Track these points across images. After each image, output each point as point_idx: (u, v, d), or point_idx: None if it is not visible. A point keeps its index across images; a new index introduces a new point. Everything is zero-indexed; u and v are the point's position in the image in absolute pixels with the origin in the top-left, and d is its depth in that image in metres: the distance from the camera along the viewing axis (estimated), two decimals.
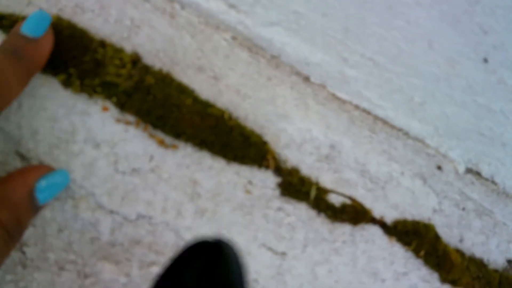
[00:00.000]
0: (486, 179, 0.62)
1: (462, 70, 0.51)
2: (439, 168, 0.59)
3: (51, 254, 0.43)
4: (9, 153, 0.43)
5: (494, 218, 0.62)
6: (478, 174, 0.62)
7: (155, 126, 0.48)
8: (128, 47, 0.48)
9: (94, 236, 0.45)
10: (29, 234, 0.43)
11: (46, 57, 0.41)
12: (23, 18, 0.43)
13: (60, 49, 0.44)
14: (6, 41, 0.38)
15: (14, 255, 0.42)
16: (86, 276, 0.44)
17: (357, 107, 0.56)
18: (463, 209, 0.60)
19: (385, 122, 0.57)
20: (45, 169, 0.39)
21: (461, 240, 0.60)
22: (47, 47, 0.41)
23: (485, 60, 0.50)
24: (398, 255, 0.56)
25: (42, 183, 0.37)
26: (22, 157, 0.43)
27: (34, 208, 0.37)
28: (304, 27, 0.50)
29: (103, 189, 0.45)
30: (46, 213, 0.43)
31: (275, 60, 0.54)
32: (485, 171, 0.61)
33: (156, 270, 0.46)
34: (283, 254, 0.51)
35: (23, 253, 0.42)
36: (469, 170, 0.61)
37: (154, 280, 0.30)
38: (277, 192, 0.52)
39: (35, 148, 0.44)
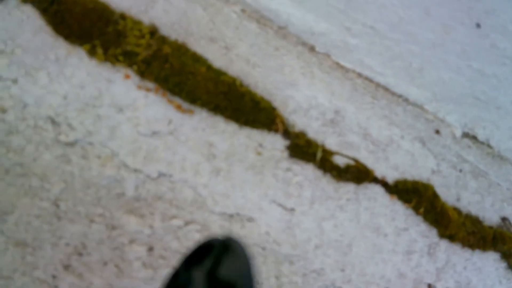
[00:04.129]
0: (482, 143, 0.66)
1: (457, 35, 0.54)
2: (437, 132, 0.63)
3: (81, 207, 0.47)
4: (41, 117, 0.47)
5: (489, 179, 0.66)
6: (474, 138, 0.65)
7: (173, 92, 0.51)
8: (145, 20, 0.52)
9: (120, 192, 0.49)
10: (61, 189, 0.47)
11: None
12: None
13: (84, 21, 0.48)
14: None
15: (50, 207, 0.46)
16: (113, 227, 0.48)
17: (359, 75, 0.60)
18: (460, 170, 0.64)
19: (386, 89, 0.61)
20: None
21: (458, 199, 0.64)
22: None
23: (478, 25, 0.54)
24: (399, 212, 0.60)
25: None
26: (53, 120, 0.47)
27: None
28: None
29: (127, 150, 0.49)
30: (75, 170, 0.47)
31: (282, 31, 0.57)
32: (481, 135, 0.65)
33: (177, 223, 0.51)
34: (292, 210, 0.55)
35: (57, 206, 0.47)
36: (465, 135, 0.65)
37: (165, 278, 0.32)
38: (285, 153, 0.56)
39: (64, 112, 0.48)
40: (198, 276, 0.30)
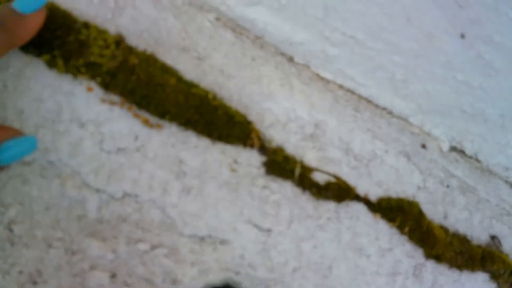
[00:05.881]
0: (470, 157, 0.63)
1: (441, 45, 0.52)
2: (423, 146, 0.60)
3: (38, 231, 0.44)
4: None
5: (477, 194, 0.63)
6: (462, 152, 0.63)
7: (140, 105, 0.48)
8: (112, 29, 0.49)
9: (81, 213, 0.45)
10: (16, 211, 0.43)
11: (31, 35, 0.41)
12: None
13: (43, 30, 0.45)
14: None
15: (2, 232, 0.43)
16: (73, 252, 0.45)
17: (341, 86, 0.57)
18: (447, 186, 0.61)
19: (369, 101, 0.58)
20: (12, 131, 0.38)
21: (445, 217, 0.61)
22: (34, 25, 0.41)
23: (462, 36, 0.51)
24: (383, 231, 0.57)
25: (8, 145, 0.36)
26: None
27: None
28: (285, 6, 0.51)
29: (89, 168, 0.46)
30: (33, 191, 0.44)
31: (259, 40, 0.55)
32: (469, 148, 0.62)
33: (143, 247, 0.47)
34: (269, 230, 0.52)
35: (11, 230, 0.43)
36: (453, 148, 0.62)
37: None
38: (262, 170, 0.52)
39: (21, 127, 0.44)
40: None
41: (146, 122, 0.48)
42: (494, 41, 0.52)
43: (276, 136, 0.53)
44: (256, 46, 0.55)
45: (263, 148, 0.53)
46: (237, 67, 0.53)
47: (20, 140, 0.37)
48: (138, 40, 0.49)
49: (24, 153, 0.38)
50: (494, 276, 0.62)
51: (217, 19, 0.53)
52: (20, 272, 0.43)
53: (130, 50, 0.49)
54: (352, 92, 0.57)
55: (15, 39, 0.39)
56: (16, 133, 0.38)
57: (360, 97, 0.58)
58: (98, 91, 0.47)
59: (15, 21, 0.39)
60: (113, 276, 0.46)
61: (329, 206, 0.54)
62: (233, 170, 0.51)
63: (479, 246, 0.61)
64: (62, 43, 0.46)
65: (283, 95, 0.55)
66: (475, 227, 0.63)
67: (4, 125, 0.41)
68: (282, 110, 0.54)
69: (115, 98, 0.47)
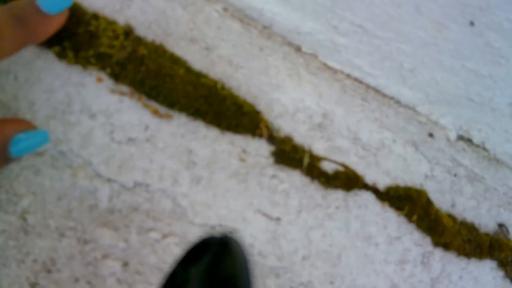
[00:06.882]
0: (477, 146, 0.63)
1: (449, 34, 0.52)
2: (430, 135, 0.60)
3: (51, 221, 0.44)
4: None
5: (485, 183, 0.64)
6: (469, 140, 0.63)
7: (149, 96, 0.48)
8: (121, 20, 0.49)
9: (93, 203, 0.46)
10: (29, 202, 0.44)
11: (50, 35, 0.41)
12: None
13: None
14: (17, 4, 0.38)
15: (16, 221, 0.43)
16: (86, 242, 0.45)
17: (349, 76, 0.57)
18: (455, 175, 0.62)
19: (376, 90, 0.58)
20: (24, 124, 0.38)
21: (453, 205, 0.61)
22: (56, 25, 0.40)
23: (472, 23, 0.51)
24: (391, 220, 0.57)
25: (19, 137, 0.36)
26: None
27: (4, 159, 0.36)
28: None
29: (100, 158, 0.46)
30: (45, 181, 0.44)
31: (267, 30, 0.55)
32: (476, 137, 0.62)
33: (154, 236, 0.48)
34: (278, 219, 0.52)
35: (25, 220, 0.44)
36: (460, 137, 0.62)
37: (163, 277, 0.30)
38: (271, 160, 0.53)
39: (32, 119, 0.44)
40: (196, 274, 0.29)
41: (155, 113, 0.49)
42: (503, 28, 0.52)
43: (285, 126, 0.54)
44: (264, 37, 0.55)
45: (272, 138, 0.53)
46: (245, 58, 0.53)
47: (32, 134, 0.37)
48: (146, 31, 0.49)
49: (35, 147, 0.38)
50: (502, 264, 0.62)
51: (225, 9, 0.53)
52: (34, 261, 0.44)
53: (139, 41, 0.49)
54: (360, 81, 0.57)
55: (34, 37, 0.38)
56: (28, 126, 0.38)
57: (368, 86, 0.58)
58: (107, 82, 0.47)
59: (37, 20, 0.38)
60: (125, 264, 0.46)
61: (337, 195, 0.55)
62: (242, 160, 0.52)
63: (486, 234, 0.62)
64: (71, 35, 0.46)
65: (291, 85, 0.55)
66: (483, 216, 0.63)
67: (16, 118, 0.42)
68: (290, 100, 0.54)
69: (125, 88, 0.47)
